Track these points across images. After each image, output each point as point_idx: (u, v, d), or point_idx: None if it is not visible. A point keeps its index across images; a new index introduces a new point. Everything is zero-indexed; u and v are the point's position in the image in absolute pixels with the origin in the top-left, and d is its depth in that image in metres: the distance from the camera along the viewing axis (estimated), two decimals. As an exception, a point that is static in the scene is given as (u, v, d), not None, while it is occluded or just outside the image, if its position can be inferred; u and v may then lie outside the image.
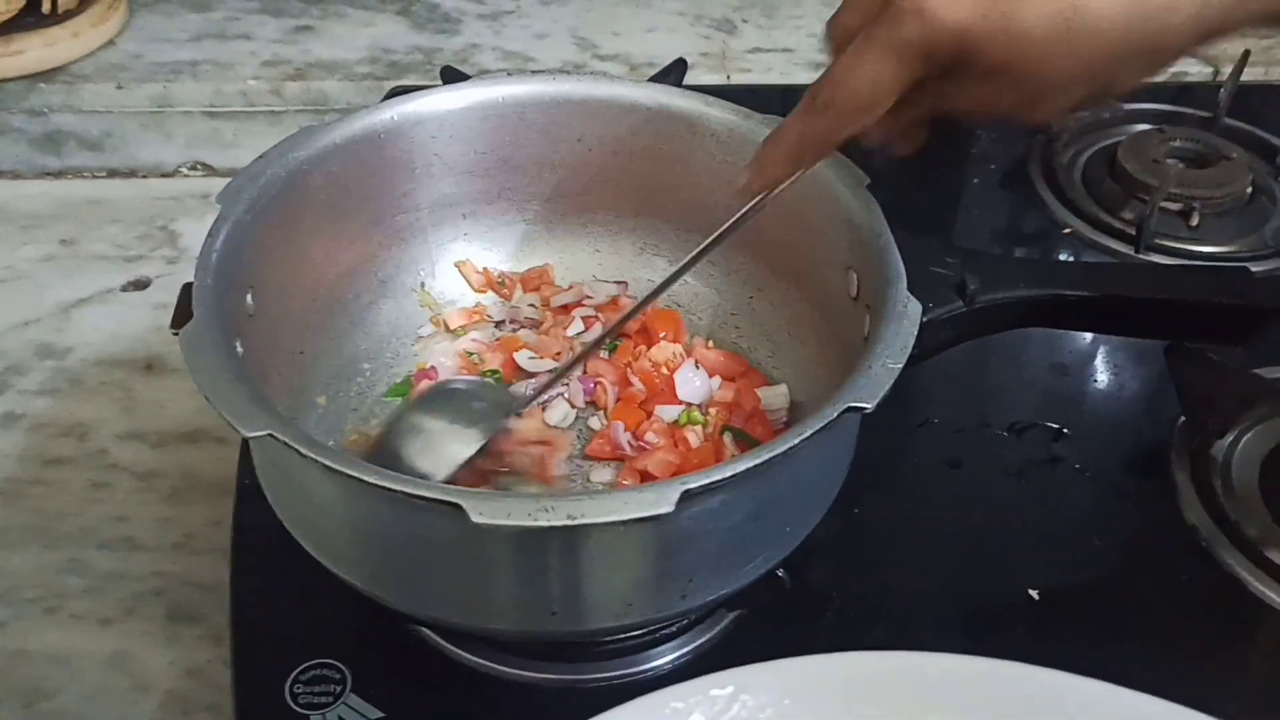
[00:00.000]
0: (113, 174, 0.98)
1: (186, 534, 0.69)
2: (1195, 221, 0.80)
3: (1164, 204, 0.80)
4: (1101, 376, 0.72)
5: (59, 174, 0.98)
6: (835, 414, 0.45)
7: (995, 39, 0.43)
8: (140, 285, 0.87)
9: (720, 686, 0.41)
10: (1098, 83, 0.45)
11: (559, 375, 0.59)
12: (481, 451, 0.54)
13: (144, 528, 0.69)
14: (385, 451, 0.54)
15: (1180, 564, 0.61)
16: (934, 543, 0.62)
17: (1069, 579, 0.61)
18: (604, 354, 0.66)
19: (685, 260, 0.55)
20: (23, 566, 0.67)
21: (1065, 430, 0.67)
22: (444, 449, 0.53)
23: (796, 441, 0.44)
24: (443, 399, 0.57)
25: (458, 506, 0.41)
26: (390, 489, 0.43)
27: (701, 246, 0.55)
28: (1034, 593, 0.59)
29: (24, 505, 0.70)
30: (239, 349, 0.52)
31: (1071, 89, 0.45)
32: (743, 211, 0.53)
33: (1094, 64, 0.44)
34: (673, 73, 0.84)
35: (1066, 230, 0.82)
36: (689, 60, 0.92)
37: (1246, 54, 0.91)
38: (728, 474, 0.43)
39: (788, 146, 0.51)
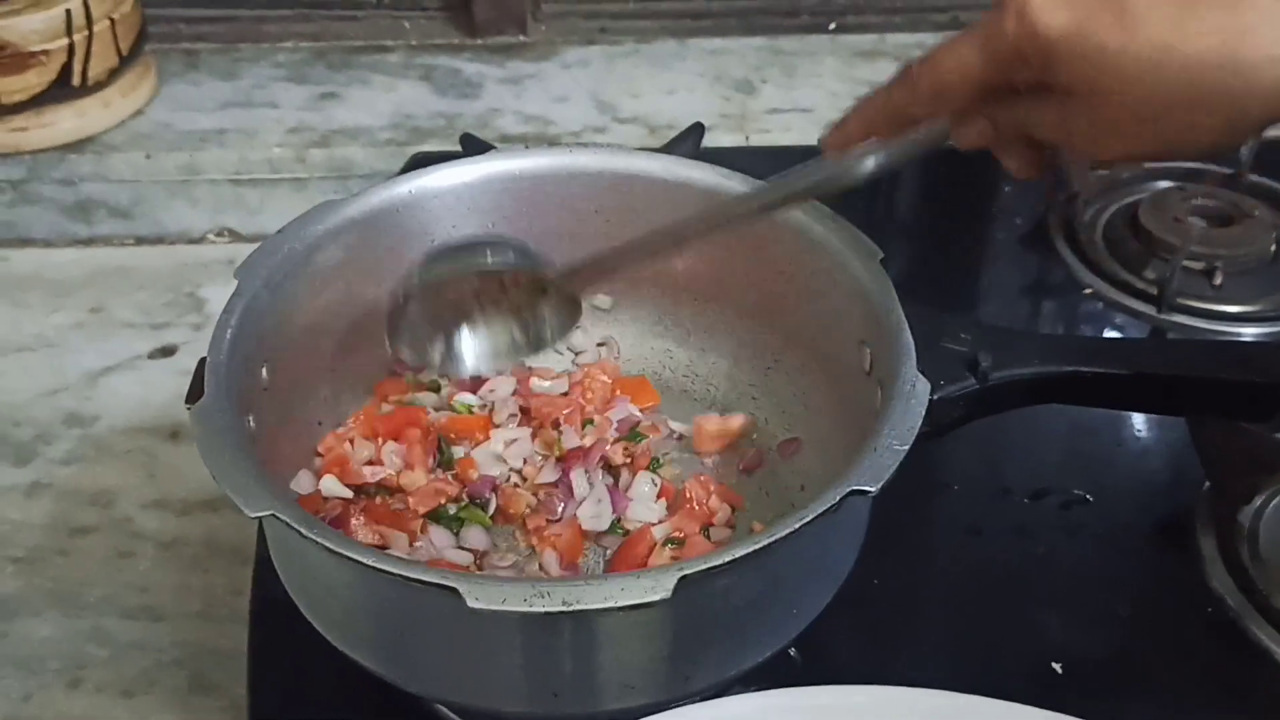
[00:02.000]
0: (141, 241, 1.00)
1: (208, 602, 0.69)
2: (1219, 281, 0.80)
3: (1187, 263, 0.79)
4: (1124, 441, 0.71)
5: (88, 242, 0.99)
6: (838, 498, 0.45)
7: (1085, 56, 0.43)
8: (167, 352, 0.88)
9: None
10: (1172, 130, 0.45)
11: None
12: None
13: (166, 596, 0.70)
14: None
15: (1206, 636, 0.60)
16: (954, 614, 0.62)
17: (1093, 651, 0.60)
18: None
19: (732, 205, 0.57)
20: (48, 636, 0.68)
21: (1088, 497, 0.67)
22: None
23: (798, 525, 0.44)
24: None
25: (454, 591, 0.41)
26: (388, 571, 0.43)
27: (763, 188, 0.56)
28: (1057, 666, 0.58)
29: (49, 574, 0.71)
30: (251, 423, 0.53)
31: (1143, 132, 0.45)
32: (808, 168, 0.53)
33: (1174, 105, 0.43)
34: (690, 137, 0.85)
35: (1087, 290, 0.82)
36: (708, 121, 0.93)
37: (1270, 109, 0.91)
38: (726, 559, 0.43)
39: (869, 111, 0.52)
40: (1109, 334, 0.79)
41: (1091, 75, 0.44)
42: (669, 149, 0.85)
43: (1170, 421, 0.69)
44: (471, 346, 0.59)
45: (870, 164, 0.51)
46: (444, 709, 0.55)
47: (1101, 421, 0.71)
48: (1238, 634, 0.59)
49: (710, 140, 0.92)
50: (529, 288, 0.58)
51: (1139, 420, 0.72)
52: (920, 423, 0.48)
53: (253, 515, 0.44)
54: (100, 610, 0.69)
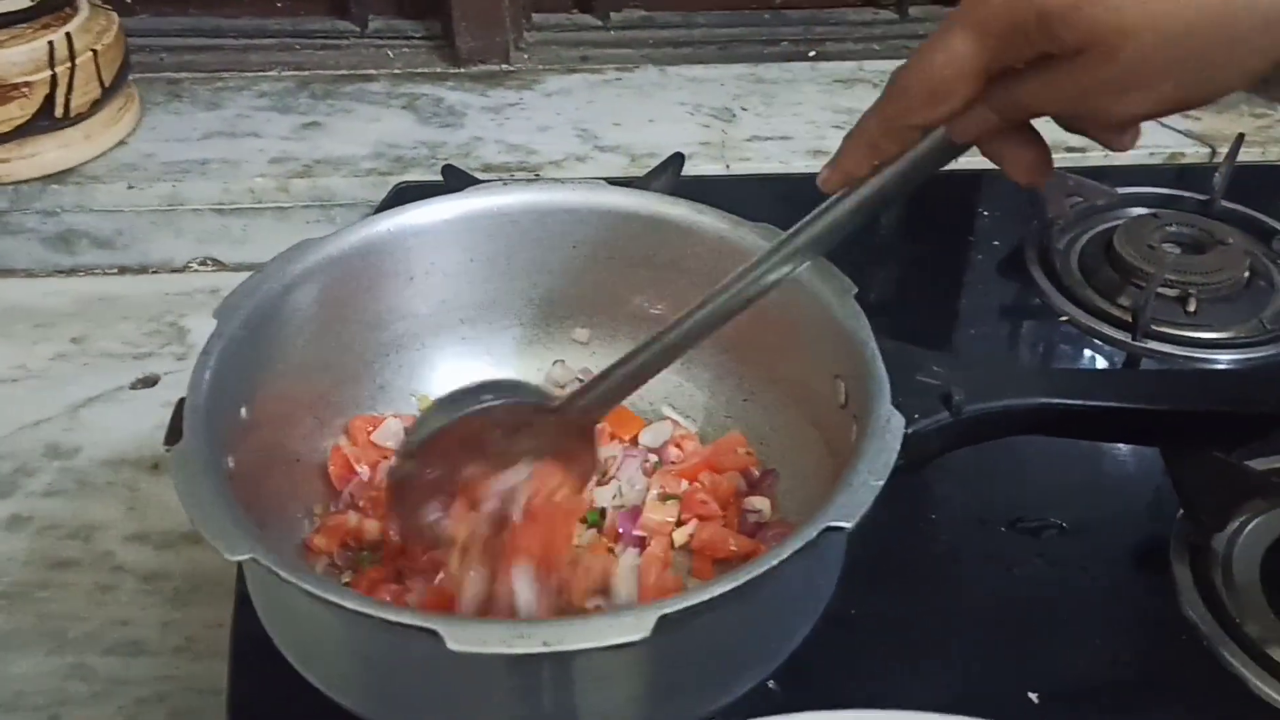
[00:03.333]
0: (124, 271, 1.00)
1: (189, 637, 0.69)
2: (1193, 307, 0.80)
3: (1161, 290, 0.80)
4: (1099, 471, 0.72)
5: (71, 272, 1.00)
6: (814, 534, 0.45)
7: (1084, 10, 0.41)
8: (149, 382, 0.88)
9: None
10: (1186, 77, 0.42)
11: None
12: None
13: (148, 631, 0.70)
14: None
15: (1182, 663, 0.60)
16: (931, 643, 0.62)
17: (1068, 680, 0.60)
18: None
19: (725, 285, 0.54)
20: (29, 673, 0.67)
21: (1064, 525, 0.67)
22: None
23: (775, 563, 0.44)
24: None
25: (434, 633, 0.42)
26: (368, 614, 0.43)
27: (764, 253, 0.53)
28: (1034, 695, 0.59)
29: (30, 609, 0.71)
30: (230, 464, 0.53)
31: (1168, 76, 0.42)
32: (825, 205, 0.51)
33: (1185, 52, 0.41)
34: (670, 167, 0.86)
35: (1063, 318, 0.82)
36: (689, 149, 0.94)
37: (1241, 136, 0.92)
38: (705, 597, 0.43)
39: (866, 137, 0.48)
40: (1084, 362, 0.80)
41: (1101, 22, 0.41)
42: (649, 179, 0.86)
43: (1145, 450, 0.70)
44: None
45: (876, 193, 0.49)
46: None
47: (1077, 451, 0.72)
48: (1212, 660, 0.60)
49: (691, 168, 0.92)
50: (537, 430, 0.55)
51: (1115, 450, 0.72)
52: (895, 457, 0.49)
53: (233, 559, 0.44)
54: (81, 646, 0.69)
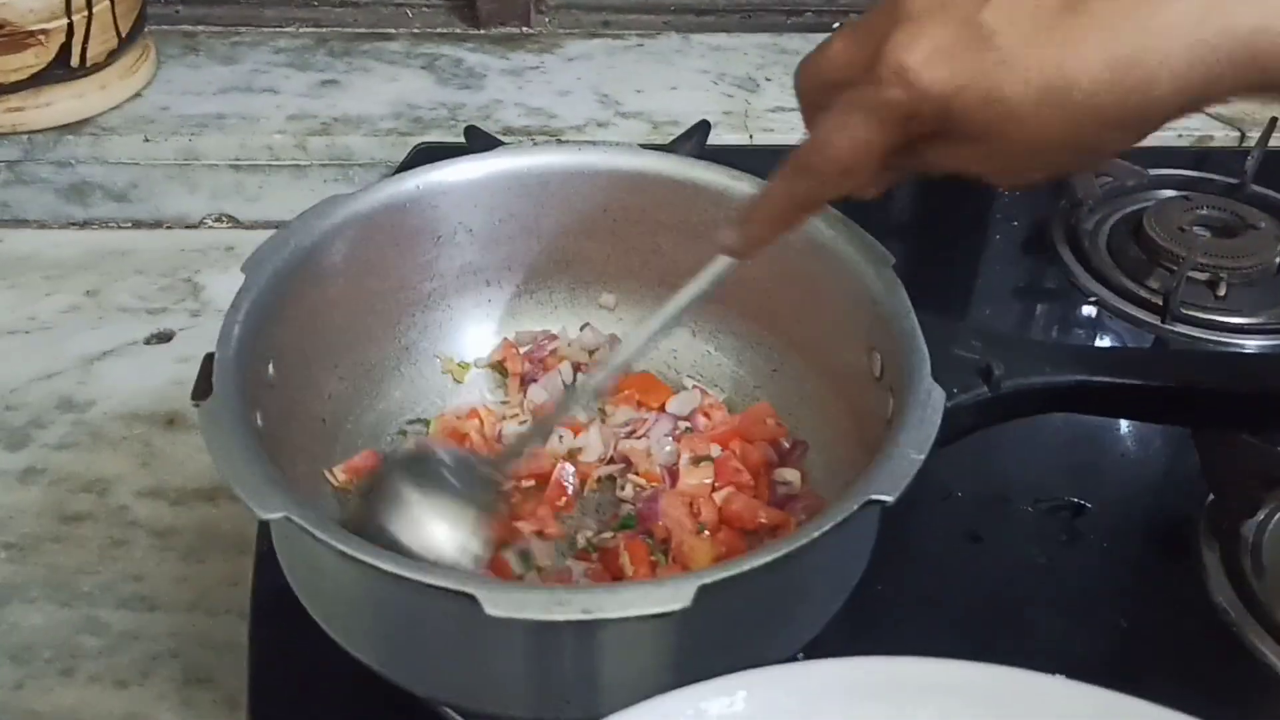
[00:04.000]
0: (138, 225, 0.99)
1: (202, 594, 0.69)
2: (1223, 291, 0.80)
3: (1191, 273, 0.79)
4: (1126, 452, 0.71)
5: (84, 224, 0.98)
6: (855, 506, 0.45)
7: (978, 107, 0.43)
8: (164, 338, 0.87)
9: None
10: (1082, 150, 0.45)
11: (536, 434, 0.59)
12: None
13: (161, 586, 0.69)
14: (370, 522, 0.51)
15: (1208, 647, 0.60)
16: (954, 621, 0.61)
17: (1093, 661, 0.60)
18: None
19: (654, 324, 0.54)
20: (40, 625, 0.67)
21: (1089, 506, 0.67)
22: (435, 530, 0.51)
23: (816, 535, 0.44)
24: (423, 468, 0.54)
25: (471, 597, 0.41)
26: (405, 577, 0.42)
27: (671, 306, 0.54)
28: (1058, 677, 0.58)
29: (42, 561, 0.70)
30: (259, 421, 0.52)
31: (1055, 157, 0.45)
32: (715, 273, 0.53)
33: (1079, 133, 0.43)
34: (696, 135, 0.84)
35: (1091, 299, 0.82)
36: (711, 118, 0.92)
37: (1274, 120, 0.91)
38: (745, 568, 0.43)
39: (774, 210, 0.51)
40: (1113, 343, 0.79)
41: (994, 118, 0.43)
42: (674, 146, 0.85)
43: (1173, 433, 0.70)
44: None
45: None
46: (449, 711, 0.54)
47: (1103, 431, 0.72)
48: (1239, 646, 0.59)
49: (713, 138, 0.91)
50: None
51: (1141, 430, 0.72)
52: (936, 431, 0.48)
53: (266, 517, 0.43)
54: (94, 599, 0.68)
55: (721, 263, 0.53)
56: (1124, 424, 0.72)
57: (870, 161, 0.46)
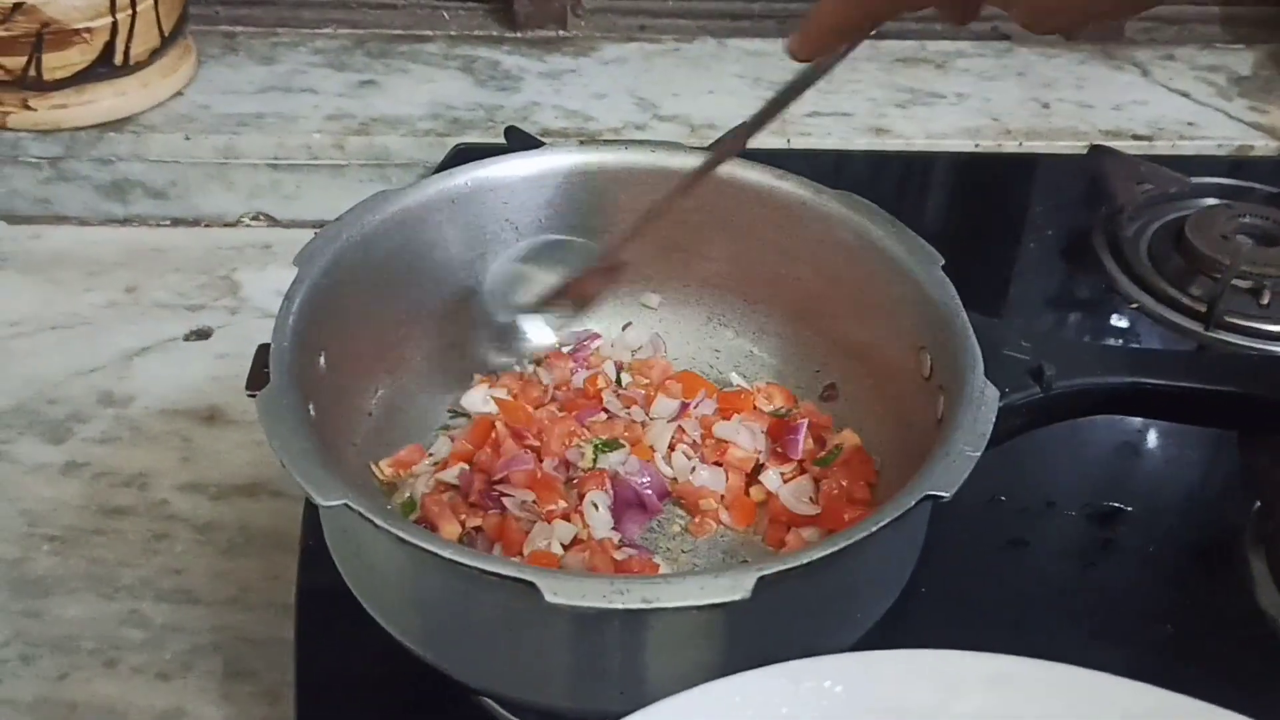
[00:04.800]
0: (176, 223, 0.99)
1: (243, 588, 0.69)
2: (1266, 300, 0.79)
3: (1234, 281, 0.79)
4: (1172, 458, 0.71)
5: (124, 221, 0.99)
6: (913, 502, 0.45)
7: None
8: (202, 335, 0.87)
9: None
10: None
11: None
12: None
13: (201, 580, 0.69)
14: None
15: (1256, 654, 0.59)
16: (999, 627, 0.61)
17: (1139, 669, 0.59)
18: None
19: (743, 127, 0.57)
20: (82, 616, 0.67)
21: (1133, 511, 0.66)
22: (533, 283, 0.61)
23: (874, 529, 0.44)
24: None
25: (532, 585, 0.41)
26: (464, 564, 0.42)
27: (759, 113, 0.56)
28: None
29: (85, 554, 0.71)
30: (312, 411, 0.52)
31: None
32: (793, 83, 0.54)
33: None
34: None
35: (1134, 305, 0.81)
36: (749, 123, 0.92)
37: (1315, 129, 0.91)
38: (804, 560, 0.43)
39: (834, 18, 0.50)
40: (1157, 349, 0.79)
41: None
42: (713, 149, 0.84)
43: (1218, 439, 0.69)
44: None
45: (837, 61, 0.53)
46: (491, 703, 0.54)
47: (1148, 437, 0.71)
48: (1287, 654, 0.59)
49: (751, 141, 0.91)
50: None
51: (1186, 436, 0.71)
52: (990, 429, 0.48)
53: (326, 505, 0.43)
54: (136, 592, 0.68)
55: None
56: (1168, 430, 0.72)
57: None
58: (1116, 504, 0.67)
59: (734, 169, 0.65)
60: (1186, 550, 0.65)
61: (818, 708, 0.41)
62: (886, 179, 0.97)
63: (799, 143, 0.99)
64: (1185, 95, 1.06)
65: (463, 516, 0.58)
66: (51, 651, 0.65)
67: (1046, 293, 0.85)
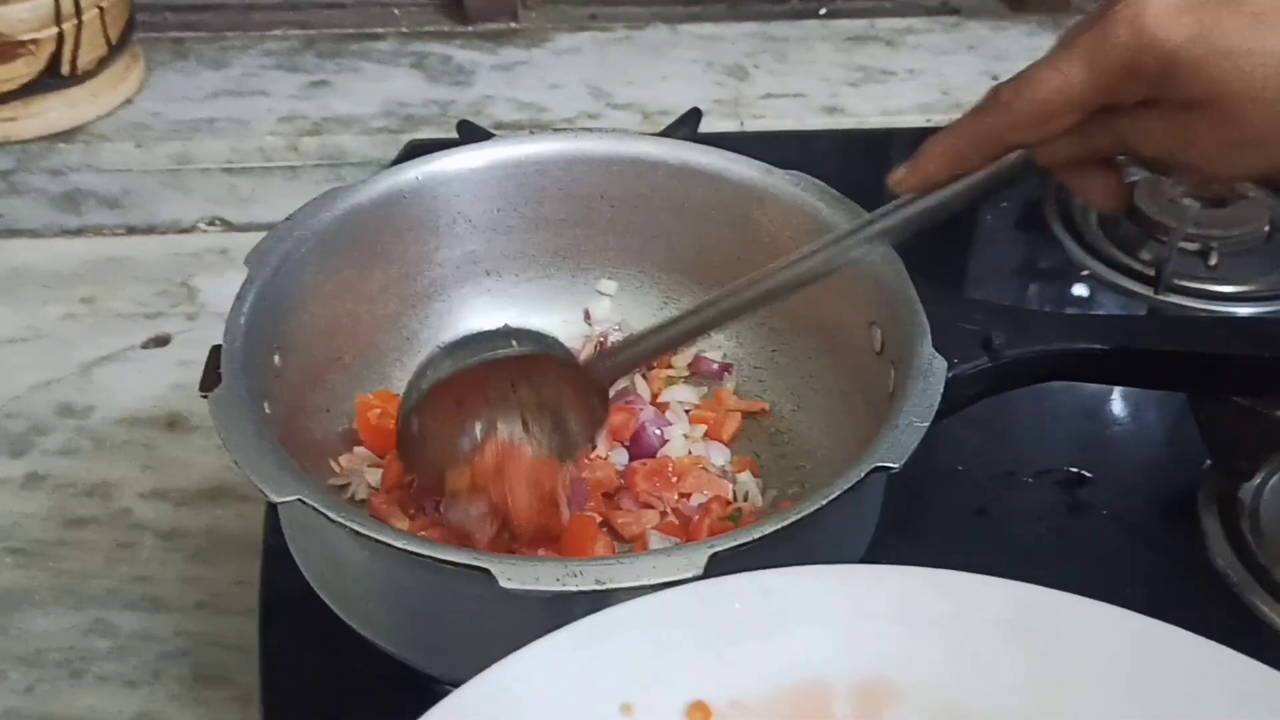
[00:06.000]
0: (132, 231, 0.99)
1: (211, 593, 0.69)
2: (1214, 261, 0.80)
3: (1182, 244, 0.80)
4: (1126, 420, 0.72)
5: (78, 232, 0.98)
6: (862, 474, 0.45)
7: (1210, 61, 0.39)
8: (161, 342, 0.87)
9: None
10: None
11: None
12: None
13: (169, 587, 0.69)
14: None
15: (1211, 610, 0.60)
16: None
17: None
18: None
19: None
20: (49, 629, 0.67)
21: (1092, 476, 0.67)
22: None
23: (824, 502, 0.44)
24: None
25: (486, 571, 0.41)
26: (418, 554, 0.43)
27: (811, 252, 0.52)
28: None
29: (49, 566, 0.71)
30: (266, 409, 0.52)
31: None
32: (891, 206, 0.50)
33: None
34: (688, 123, 0.85)
35: (1085, 272, 0.82)
36: (703, 107, 0.93)
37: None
38: (755, 536, 0.43)
39: (954, 142, 0.47)
40: (1109, 315, 0.80)
41: (1220, 82, 0.39)
42: (666, 135, 0.85)
43: (1171, 399, 0.70)
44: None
45: (951, 199, 0.49)
46: (460, 694, 0.55)
47: (1104, 402, 0.72)
48: (1243, 609, 0.60)
49: (705, 125, 0.91)
50: (547, 383, 0.53)
51: (1141, 400, 0.72)
52: (939, 399, 0.49)
53: (279, 501, 0.43)
54: (102, 602, 0.68)
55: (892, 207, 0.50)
56: (1123, 394, 0.73)
57: (1069, 108, 0.43)
58: (1075, 469, 0.67)
59: (685, 153, 0.66)
60: (1144, 511, 0.66)
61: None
62: (841, 157, 0.97)
63: (753, 125, 0.99)
64: (1133, 64, 1.07)
65: (412, 511, 0.58)
66: (17, 664, 0.65)
67: (1001, 265, 0.86)
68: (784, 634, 0.38)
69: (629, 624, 0.38)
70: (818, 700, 0.39)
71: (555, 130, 0.93)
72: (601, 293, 0.70)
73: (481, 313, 0.69)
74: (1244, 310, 0.79)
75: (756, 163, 0.63)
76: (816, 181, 0.63)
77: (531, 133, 0.69)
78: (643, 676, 0.37)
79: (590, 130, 0.66)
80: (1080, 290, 0.82)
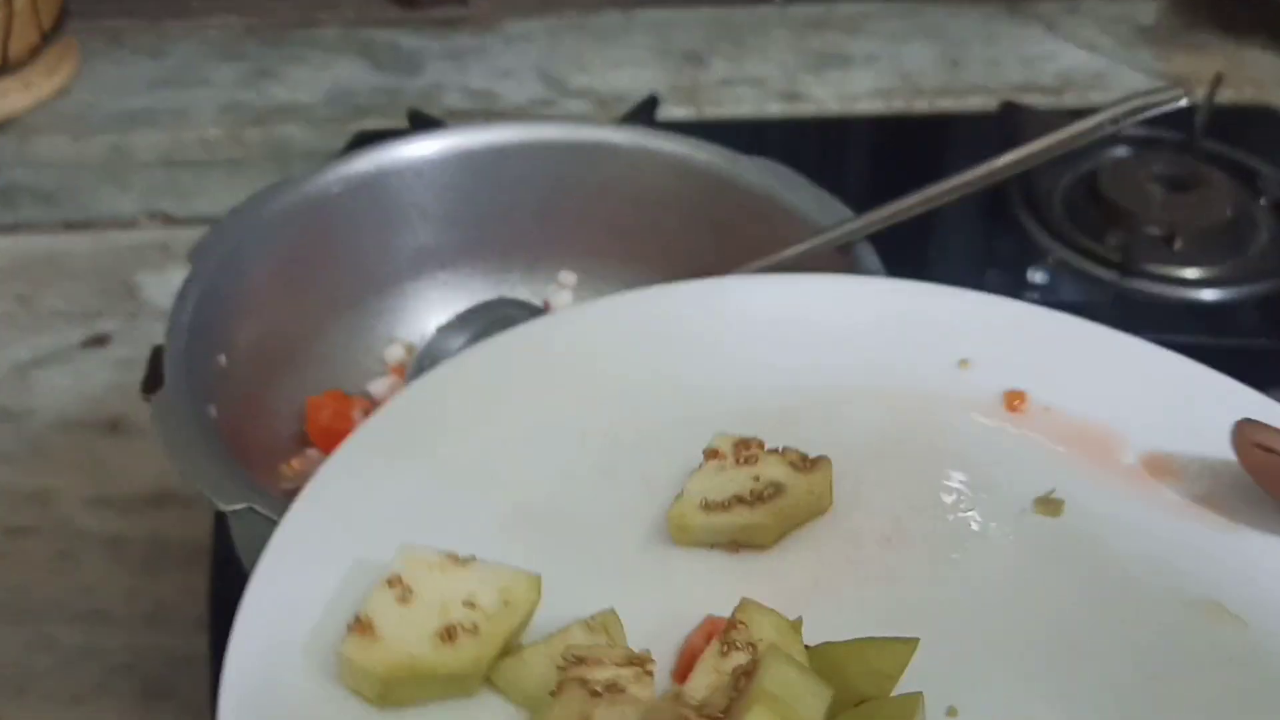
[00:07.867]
0: (69, 227, 0.95)
1: (157, 604, 0.67)
2: (1179, 246, 0.80)
3: (1147, 229, 0.79)
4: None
5: (13, 228, 0.94)
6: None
7: None
8: (100, 341, 0.84)
9: None
10: None
11: None
12: None
13: (114, 598, 0.67)
14: None
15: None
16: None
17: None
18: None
19: None
20: (-12, 644, 0.64)
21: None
22: None
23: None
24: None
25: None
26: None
27: None
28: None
29: (-13, 578, 0.68)
30: (212, 413, 0.50)
31: None
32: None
33: None
34: (644, 110, 0.83)
35: (1052, 259, 0.81)
36: (659, 95, 0.91)
37: (1219, 76, 0.91)
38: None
39: None
40: (1074, 301, 0.79)
41: None
42: (624, 123, 0.83)
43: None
44: None
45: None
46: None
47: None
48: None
49: (662, 114, 0.90)
50: None
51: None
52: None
53: (227, 509, 0.41)
54: (44, 615, 0.66)
55: None
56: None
57: None
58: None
59: (648, 140, 0.64)
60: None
61: None
62: (801, 144, 0.96)
63: (711, 112, 0.97)
64: (1092, 48, 1.07)
65: None
66: (-45, 683, 0.62)
67: (966, 251, 0.85)
68: None
69: None
70: None
71: (510, 118, 0.91)
72: (561, 284, 0.68)
73: (436, 305, 0.67)
74: (1208, 293, 0.78)
75: (722, 149, 0.62)
76: (781, 167, 0.62)
77: (486, 120, 0.67)
78: None
79: (546, 118, 0.64)
80: (1047, 277, 0.81)
